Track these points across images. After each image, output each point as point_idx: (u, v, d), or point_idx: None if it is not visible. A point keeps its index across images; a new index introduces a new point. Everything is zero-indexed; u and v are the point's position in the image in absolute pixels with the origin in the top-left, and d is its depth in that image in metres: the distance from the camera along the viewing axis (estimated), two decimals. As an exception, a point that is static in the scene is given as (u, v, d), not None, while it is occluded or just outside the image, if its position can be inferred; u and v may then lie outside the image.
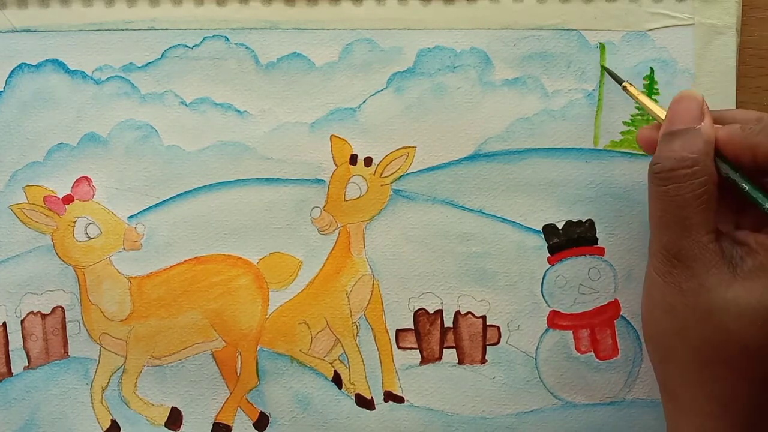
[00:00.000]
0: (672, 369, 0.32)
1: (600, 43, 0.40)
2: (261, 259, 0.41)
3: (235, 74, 0.40)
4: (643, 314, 0.34)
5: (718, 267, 0.30)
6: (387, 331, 0.41)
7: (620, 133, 0.40)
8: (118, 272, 0.41)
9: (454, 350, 0.41)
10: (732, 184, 0.32)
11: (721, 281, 0.30)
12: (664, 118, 0.34)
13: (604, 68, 0.40)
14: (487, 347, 0.41)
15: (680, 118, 0.33)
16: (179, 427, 0.41)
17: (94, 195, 0.41)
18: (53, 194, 0.41)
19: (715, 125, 0.33)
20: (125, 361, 0.41)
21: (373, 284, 0.41)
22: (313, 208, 0.41)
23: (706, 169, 0.31)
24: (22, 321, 0.41)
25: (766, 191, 0.32)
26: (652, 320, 0.33)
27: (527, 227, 0.41)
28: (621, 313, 0.41)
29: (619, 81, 0.38)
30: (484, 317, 0.41)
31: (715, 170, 0.32)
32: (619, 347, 0.41)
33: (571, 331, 0.41)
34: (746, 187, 0.32)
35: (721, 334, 0.30)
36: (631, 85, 0.38)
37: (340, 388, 0.41)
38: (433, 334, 0.41)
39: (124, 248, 0.41)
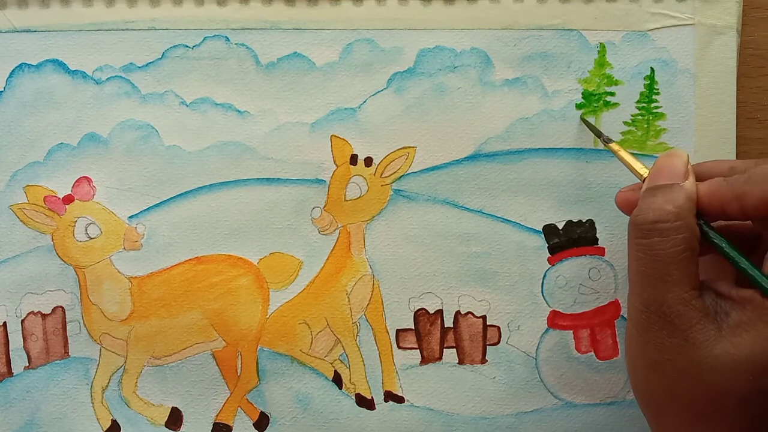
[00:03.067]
0: (664, 426, 0.32)
1: (600, 43, 0.40)
2: (261, 259, 0.41)
3: (236, 74, 0.40)
4: (628, 371, 0.34)
5: (701, 323, 0.30)
6: (387, 331, 0.41)
7: (620, 133, 0.40)
8: (119, 272, 0.41)
9: (454, 350, 0.41)
10: (711, 244, 0.32)
11: (706, 337, 0.30)
12: (644, 176, 0.34)
13: (583, 120, 0.40)
14: (488, 347, 0.41)
15: (664, 174, 0.33)
16: (179, 427, 0.41)
17: (94, 195, 0.41)
18: (53, 194, 0.41)
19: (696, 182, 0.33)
20: (125, 361, 0.41)
21: (373, 284, 0.41)
22: (314, 208, 0.41)
23: (688, 224, 0.31)
24: (23, 321, 0.41)
25: (746, 248, 0.32)
26: (637, 378, 0.33)
27: (527, 227, 0.41)
28: (621, 314, 0.41)
29: (599, 134, 0.38)
30: (484, 317, 0.41)
31: (698, 228, 0.31)
32: (619, 347, 0.41)
33: (571, 331, 0.41)
34: (724, 246, 0.32)
35: (709, 390, 0.30)
36: (614, 141, 0.38)
37: (340, 388, 0.41)
38: (433, 334, 0.41)
39: (124, 248, 0.41)
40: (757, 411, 0.30)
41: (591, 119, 0.40)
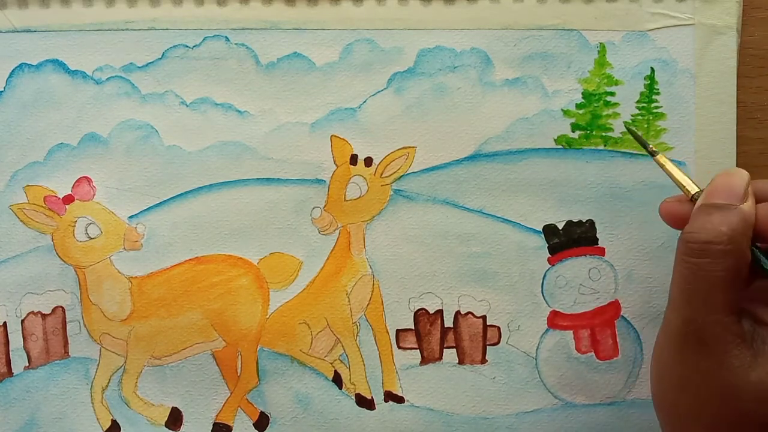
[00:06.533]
0: None
1: (600, 43, 0.40)
2: (261, 259, 0.41)
3: (236, 74, 0.40)
4: (652, 385, 0.33)
5: (738, 348, 0.30)
6: (387, 331, 0.41)
7: (621, 133, 0.40)
8: (119, 272, 0.41)
9: (454, 350, 0.41)
10: (760, 268, 0.31)
11: (742, 363, 0.30)
12: (691, 191, 0.33)
13: (630, 131, 0.37)
14: (488, 347, 0.41)
15: (723, 193, 0.31)
16: (179, 427, 0.41)
17: (94, 195, 0.41)
18: (54, 194, 0.41)
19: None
20: (125, 361, 0.41)
21: (373, 284, 0.41)
22: (314, 208, 0.41)
23: (740, 249, 0.30)
24: (23, 321, 0.41)
25: None
26: (663, 394, 0.32)
27: (527, 227, 0.41)
28: (621, 314, 0.41)
29: (645, 145, 0.36)
30: (484, 317, 0.41)
31: (749, 253, 0.31)
32: (619, 347, 0.41)
33: (571, 332, 0.41)
34: None
35: (738, 415, 0.30)
36: (662, 155, 0.36)
37: (340, 388, 0.41)
38: (433, 334, 0.41)
39: (124, 248, 0.41)
40: None
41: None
